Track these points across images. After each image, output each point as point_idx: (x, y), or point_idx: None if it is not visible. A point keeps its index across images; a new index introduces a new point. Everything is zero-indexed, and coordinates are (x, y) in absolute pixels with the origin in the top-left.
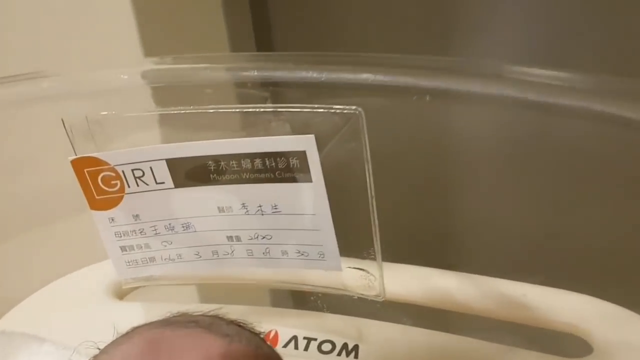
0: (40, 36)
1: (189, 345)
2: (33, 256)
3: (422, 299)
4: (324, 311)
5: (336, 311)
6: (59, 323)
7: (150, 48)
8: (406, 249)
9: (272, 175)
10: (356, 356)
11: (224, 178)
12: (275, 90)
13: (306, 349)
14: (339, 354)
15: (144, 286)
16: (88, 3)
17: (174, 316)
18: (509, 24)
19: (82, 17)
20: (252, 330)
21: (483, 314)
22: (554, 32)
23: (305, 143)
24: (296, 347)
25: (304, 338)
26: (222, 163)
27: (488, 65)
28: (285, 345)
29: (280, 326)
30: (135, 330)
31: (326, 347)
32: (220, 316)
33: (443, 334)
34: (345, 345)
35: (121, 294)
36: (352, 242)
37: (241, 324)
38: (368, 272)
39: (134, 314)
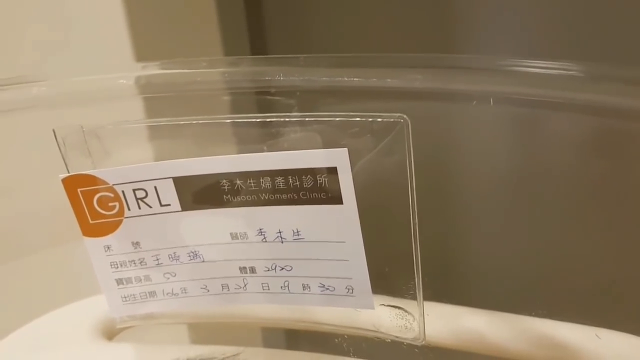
0: (26, 39)
1: None
2: (10, 291)
3: (468, 344)
4: (350, 356)
5: (364, 356)
6: None
7: (141, 52)
8: (450, 285)
9: (296, 196)
10: None
11: (239, 199)
12: (303, 97)
13: None
14: None
15: (142, 318)
16: (77, 6)
17: None
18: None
19: (71, 20)
20: None
21: None
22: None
23: (337, 158)
24: None
25: None
26: (238, 182)
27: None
28: None
29: None
30: None
31: None
32: None
33: None
34: None
35: (111, 334)
36: (386, 275)
37: None
38: (405, 311)
39: (125, 358)
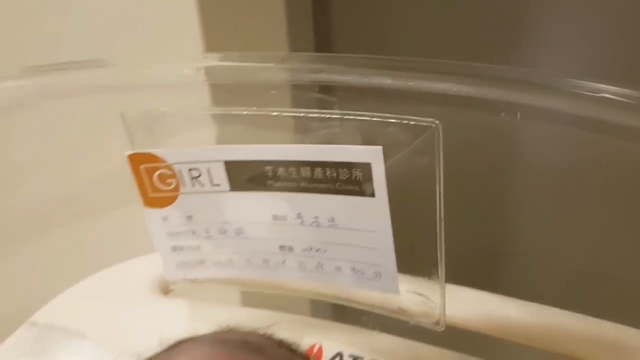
0: (99, 25)
1: None
2: (77, 246)
3: (485, 327)
4: (374, 329)
5: (387, 331)
6: (101, 318)
7: (210, 43)
8: (469, 271)
9: (332, 186)
10: None
11: (281, 185)
12: (344, 96)
13: None
14: None
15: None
16: None
17: (223, 331)
18: (578, 38)
19: (143, 8)
20: (302, 355)
21: (555, 350)
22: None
23: (372, 155)
24: None
25: (350, 356)
26: (281, 169)
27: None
28: None
29: (326, 340)
30: (182, 347)
31: None
32: (270, 336)
33: None
34: None
35: (166, 290)
36: (412, 262)
37: (292, 347)
38: (428, 298)
39: (178, 312)
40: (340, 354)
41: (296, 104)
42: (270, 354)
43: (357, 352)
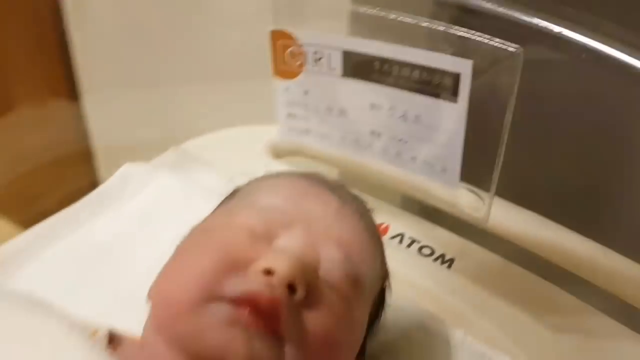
0: None
1: (319, 193)
2: (217, 101)
3: (525, 241)
4: (436, 224)
5: (447, 227)
6: (224, 160)
7: None
8: (528, 196)
9: (424, 88)
10: (449, 267)
11: (383, 79)
12: (457, 15)
13: (408, 246)
14: (435, 260)
15: (297, 152)
16: None
17: (309, 172)
18: None
19: None
20: (368, 210)
21: (579, 274)
22: None
23: (463, 66)
24: (400, 242)
25: (409, 238)
26: (386, 66)
27: None
28: (391, 238)
29: (393, 222)
30: (274, 174)
31: (426, 251)
32: (348, 188)
33: (535, 277)
34: (442, 255)
35: (277, 154)
36: (474, 167)
37: (363, 201)
38: (479, 197)
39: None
40: (402, 235)
41: (415, 11)
42: (342, 194)
43: (415, 237)
